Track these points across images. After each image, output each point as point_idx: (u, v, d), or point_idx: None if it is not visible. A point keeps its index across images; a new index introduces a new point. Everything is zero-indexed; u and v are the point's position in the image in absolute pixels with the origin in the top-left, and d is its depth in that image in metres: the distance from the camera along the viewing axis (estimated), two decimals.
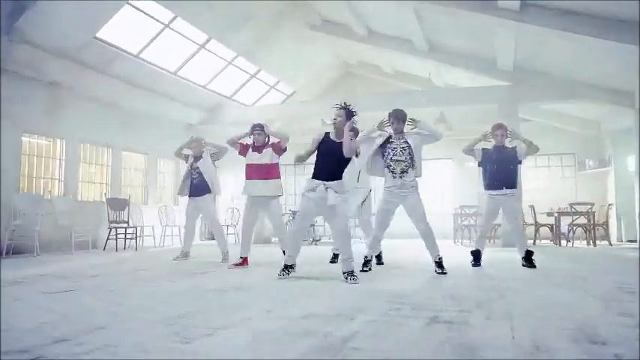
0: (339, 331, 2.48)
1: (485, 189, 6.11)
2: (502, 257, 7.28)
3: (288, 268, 4.72)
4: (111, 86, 9.64)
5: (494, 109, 11.29)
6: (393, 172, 5.25)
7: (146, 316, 2.86)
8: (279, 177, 5.91)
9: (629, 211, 11.41)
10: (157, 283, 4.41)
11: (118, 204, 9.53)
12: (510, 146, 6.11)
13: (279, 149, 5.84)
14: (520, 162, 6.03)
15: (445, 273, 5.04)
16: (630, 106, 9.94)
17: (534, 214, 11.00)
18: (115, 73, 9.53)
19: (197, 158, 6.87)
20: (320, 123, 16.09)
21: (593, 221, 10.30)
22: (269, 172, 5.82)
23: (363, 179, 6.14)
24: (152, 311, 3.01)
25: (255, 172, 5.85)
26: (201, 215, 7.18)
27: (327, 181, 4.57)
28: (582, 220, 10.41)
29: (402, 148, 5.26)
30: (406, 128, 5.41)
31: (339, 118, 4.67)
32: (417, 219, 5.27)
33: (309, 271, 5.28)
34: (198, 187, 6.79)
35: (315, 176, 4.65)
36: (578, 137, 13.53)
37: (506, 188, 5.93)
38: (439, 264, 5.15)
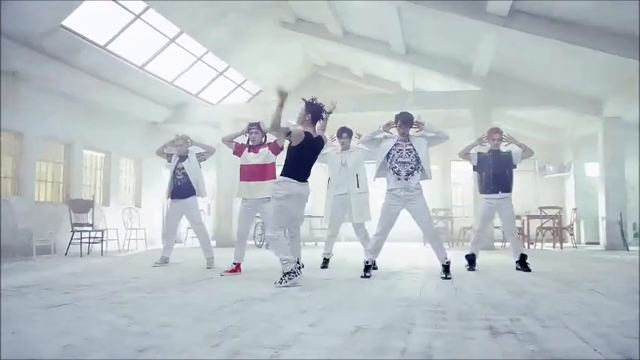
0: (411, 346, 2.28)
1: (481, 193, 6.09)
2: (486, 260, 7.31)
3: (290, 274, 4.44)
4: (74, 78, 8.95)
5: (465, 114, 11.49)
6: (397, 174, 5.12)
7: (183, 334, 2.53)
8: (274, 177, 5.54)
9: (589, 214, 11.94)
10: (164, 293, 4.01)
11: (81, 206, 8.85)
12: (505, 150, 6.12)
13: (277, 148, 5.53)
14: (515, 166, 6.05)
15: (450, 278, 4.94)
16: (595, 114, 10.38)
17: None
18: (80, 65, 8.86)
19: (182, 158, 6.45)
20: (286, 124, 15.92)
21: (560, 224, 10.65)
22: (264, 172, 5.49)
23: (363, 183, 5.96)
24: (185, 328, 2.67)
25: (250, 174, 5.52)
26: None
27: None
28: (549, 223, 10.73)
29: (408, 150, 5.16)
30: (411, 131, 5.31)
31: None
32: (424, 222, 5.17)
33: (307, 277, 5.02)
34: (183, 189, 6.37)
35: (298, 178, 4.62)
36: (540, 144, 13.91)
37: (502, 192, 5.93)
38: (446, 268, 5.05)
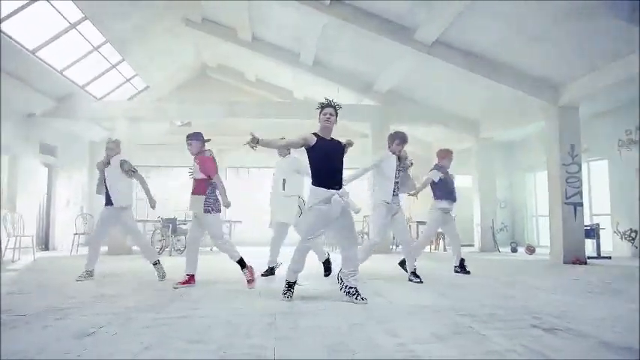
0: (531, 344, 2.63)
1: (440, 198, 6.82)
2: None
3: (292, 286, 4.46)
4: None
5: (361, 127, 12.29)
6: (393, 191, 5.56)
7: (305, 354, 2.55)
8: (200, 193, 5.20)
9: (460, 219, 13.71)
10: (171, 313, 3.74)
11: None
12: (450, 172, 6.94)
13: (205, 167, 5.21)
14: None
15: (422, 282, 5.47)
16: (471, 133, 12.03)
17: None
18: None
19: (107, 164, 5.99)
20: (169, 124, 15.13)
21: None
22: (195, 187, 5.26)
23: (291, 187, 6.03)
24: (297, 349, 2.67)
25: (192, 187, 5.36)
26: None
27: (338, 188, 4.28)
28: None
29: (398, 170, 5.65)
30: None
31: (332, 117, 4.39)
32: (403, 230, 5.69)
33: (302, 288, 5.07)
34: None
35: (324, 185, 4.24)
36: (413, 156, 15.50)
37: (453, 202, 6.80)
38: (414, 273, 5.58)
